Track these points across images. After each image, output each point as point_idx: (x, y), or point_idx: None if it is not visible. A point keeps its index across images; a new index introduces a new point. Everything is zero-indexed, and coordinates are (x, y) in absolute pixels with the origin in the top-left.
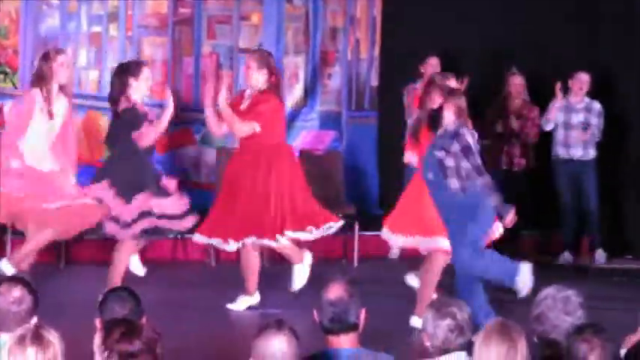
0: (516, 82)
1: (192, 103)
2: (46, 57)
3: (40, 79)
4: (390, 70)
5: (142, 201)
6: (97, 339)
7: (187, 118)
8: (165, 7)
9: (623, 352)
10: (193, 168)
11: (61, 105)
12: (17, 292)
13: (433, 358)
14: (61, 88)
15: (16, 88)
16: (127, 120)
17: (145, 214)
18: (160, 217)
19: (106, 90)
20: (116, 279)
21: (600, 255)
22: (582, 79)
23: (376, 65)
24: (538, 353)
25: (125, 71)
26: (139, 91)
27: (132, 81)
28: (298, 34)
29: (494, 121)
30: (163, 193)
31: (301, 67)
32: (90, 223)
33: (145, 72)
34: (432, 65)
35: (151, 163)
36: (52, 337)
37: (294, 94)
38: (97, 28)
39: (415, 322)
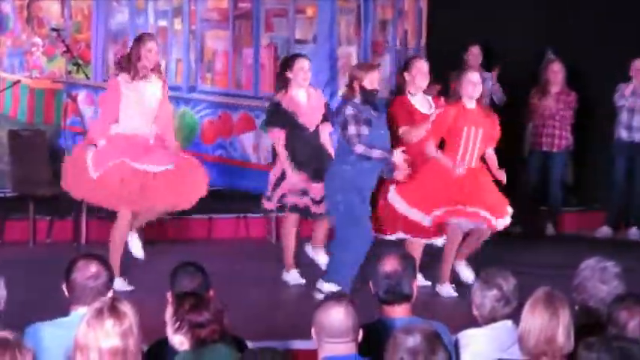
0: (554, 69)
1: (252, 92)
2: (138, 40)
3: (128, 59)
4: (436, 58)
5: (291, 179)
6: (169, 311)
7: (248, 105)
8: (225, 2)
9: None
10: (253, 151)
11: (154, 85)
12: (94, 267)
13: (481, 327)
14: (153, 70)
15: (88, 78)
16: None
17: (292, 192)
18: (307, 197)
19: (172, 79)
20: (287, 253)
21: (634, 232)
22: (638, 66)
23: (423, 54)
24: (578, 321)
25: (282, 65)
26: (295, 82)
27: (288, 74)
28: (350, 26)
29: (535, 106)
30: (319, 176)
31: (353, 56)
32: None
33: (297, 62)
34: (473, 54)
35: (315, 148)
36: (127, 308)
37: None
38: (162, 23)
39: (438, 289)
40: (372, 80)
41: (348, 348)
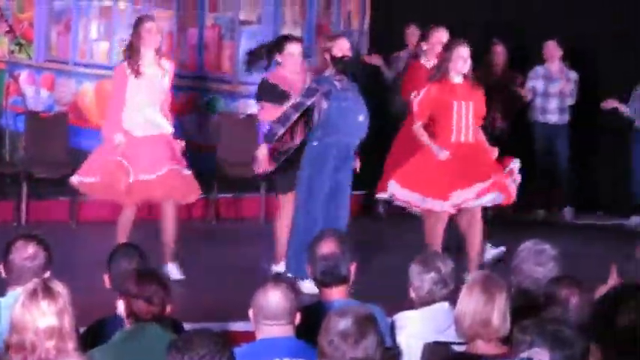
0: (498, 51)
1: (197, 71)
2: (135, 24)
3: (131, 45)
4: (379, 39)
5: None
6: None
7: (192, 85)
8: None
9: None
10: (197, 131)
11: (160, 70)
12: (31, 248)
13: (419, 309)
14: (157, 52)
15: (30, 58)
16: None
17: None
18: None
19: (115, 60)
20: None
21: (569, 211)
22: (550, 47)
23: (366, 35)
24: (515, 303)
25: (271, 45)
26: (284, 66)
27: (277, 56)
28: (295, 7)
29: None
30: None
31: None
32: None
33: (288, 47)
34: (410, 33)
35: None
36: (60, 288)
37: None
38: (107, 2)
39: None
40: (341, 47)
41: (284, 330)
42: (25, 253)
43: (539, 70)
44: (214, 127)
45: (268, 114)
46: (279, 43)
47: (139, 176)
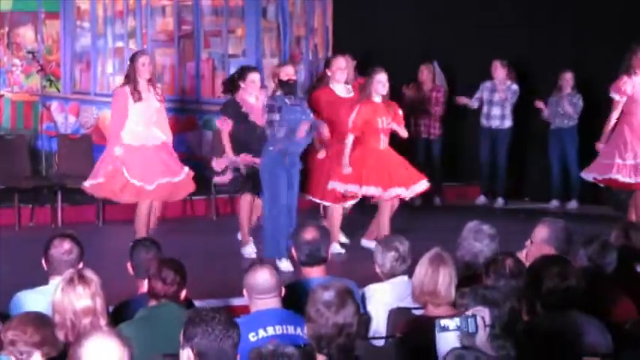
0: (425, 70)
1: (195, 97)
2: (131, 59)
3: (128, 76)
4: None
5: (233, 159)
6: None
7: (192, 108)
8: (171, 25)
9: None
10: (196, 146)
11: (152, 93)
12: (67, 244)
13: (383, 282)
14: (150, 81)
15: (59, 91)
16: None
17: (233, 170)
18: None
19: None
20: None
21: (501, 200)
22: (495, 65)
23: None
24: (461, 274)
25: (236, 74)
26: (246, 91)
27: (240, 83)
28: (272, 41)
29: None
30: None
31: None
32: (182, 195)
33: (249, 76)
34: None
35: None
36: (93, 275)
37: (271, 88)
38: (119, 44)
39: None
40: (285, 73)
41: (273, 302)
42: (62, 248)
43: (487, 83)
44: (210, 141)
45: (227, 125)
46: (242, 73)
47: (132, 180)
